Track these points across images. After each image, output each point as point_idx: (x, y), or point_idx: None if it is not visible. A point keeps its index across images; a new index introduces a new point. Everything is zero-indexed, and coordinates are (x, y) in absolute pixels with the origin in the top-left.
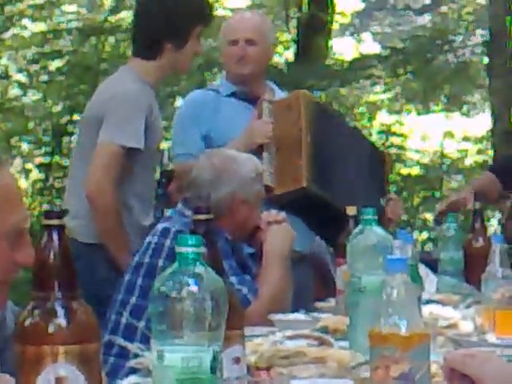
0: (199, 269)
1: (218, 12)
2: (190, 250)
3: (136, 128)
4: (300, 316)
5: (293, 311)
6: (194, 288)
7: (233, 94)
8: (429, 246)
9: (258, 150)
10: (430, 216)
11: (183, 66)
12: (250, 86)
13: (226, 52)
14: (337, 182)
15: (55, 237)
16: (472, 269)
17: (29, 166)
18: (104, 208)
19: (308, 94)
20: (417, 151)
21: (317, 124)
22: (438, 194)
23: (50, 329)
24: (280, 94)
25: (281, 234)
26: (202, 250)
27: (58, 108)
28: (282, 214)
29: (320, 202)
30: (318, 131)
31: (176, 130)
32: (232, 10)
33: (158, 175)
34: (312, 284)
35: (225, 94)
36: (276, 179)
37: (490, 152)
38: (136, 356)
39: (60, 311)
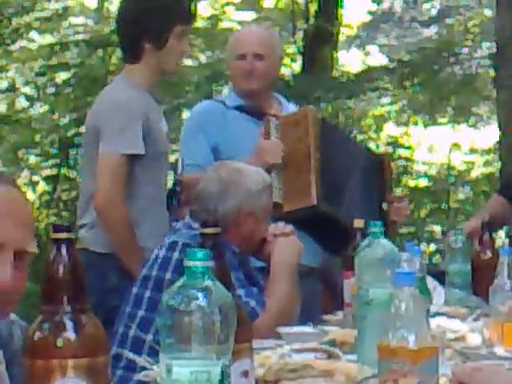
0: (207, 283)
1: (224, 24)
2: (198, 264)
3: (133, 134)
4: (308, 329)
5: (300, 324)
6: (202, 302)
7: (239, 107)
8: (436, 258)
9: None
10: (437, 228)
11: (168, 65)
12: (258, 101)
13: (234, 66)
14: (343, 198)
15: (64, 250)
16: (480, 281)
17: (36, 178)
18: (114, 219)
19: (314, 110)
20: (424, 163)
21: (323, 140)
22: (445, 206)
23: (59, 342)
24: (288, 107)
25: (288, 246)
26: (211, 263)
27: (65, 120)
28: (290, 227)
29: (327, 218)
30: (324, 147)
31: (184, 140)
32: (239, 23)
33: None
34: (320, 297)
35: (231, 106)
36: (285, 196)
37: (497, 164)
38: (144, 369)
39: (69, 325)
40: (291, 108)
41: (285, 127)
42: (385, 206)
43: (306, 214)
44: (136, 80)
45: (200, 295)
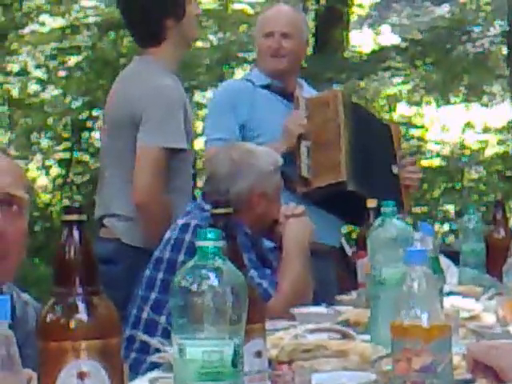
0: (219, 263)
1: (235, 6)
2: (209, 244)
3: (177, 126)
4: (321, 309)
5: (315, 304)
6: (214, 282)
7: (267, 86)
8: (450, 238)
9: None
10: (451, 208)
11: (191, 34)
12: (284, 80)
13: (261, 44)
14: (370, 177)
15: (75, 232)
16: (493, 260)
17: (49, 162)
18: (156, 215)
19: (344, 91)
20: (437, 143)
21: (352, 121)
22: (458, 186)
23: (72, 324)
24: (308, 89)
25: (300, 226)
26: (222, 243)
27: (77, 103)
28: (301, 207)
29: (354, 197)
30: (353, 128)
31: (211, 116)
32: (250, 4)
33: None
34: (338, 277)
35: (259, 85)
36: (314, 173)
37: (511, 143)
38: (157, 351)
39: (81, 306)
40: (311, 91)
41: (312, 107)
42: (395, 169)
43: (334, 190)
44: (164, 62)
45: (211, 275)
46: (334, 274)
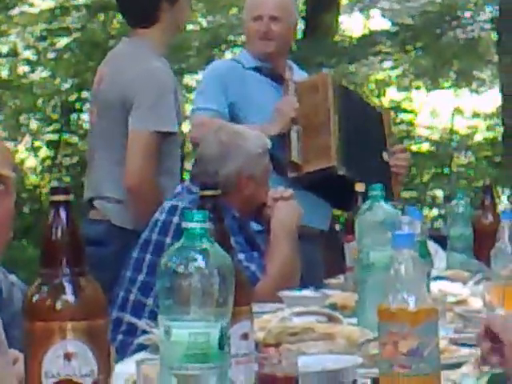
0: (206, 244)
1: None
2: (196, 225)
3: (169, 110)
4: (309, 292)
5: (302, 287)
6: (200, 263)
7: (256, 69)
8: (438, 223)
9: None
10: (439, 193)
11: (182, 20)
12: (274, 63)
13: (250, 27)
14: (360, 161)
15: (62, 213)
16: (481, 245)
17: (38, 143)
18: (147, 198)
19: (332, 75)
20: (426, 128)
21: (342, 105)
22: (447, 171)
23: (58, 305)
24: (298, 72)
25: (288, 210)
26: (209, 225)
27: (66, 85)
28: (289, 191)
29: (343, 181)
30: (343, 112)
31: (200, 91)
32: None
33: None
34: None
35: (248, 67)
36: (304, 158)
37: (500, 128)
38: (144, 333)
39: (68, 287)
40: (301, 74)
41: (302, 91)
42: (385, 155)
43: (324, 175)
44: (154, 45)
45: (198, 257)
46: (321, 257)
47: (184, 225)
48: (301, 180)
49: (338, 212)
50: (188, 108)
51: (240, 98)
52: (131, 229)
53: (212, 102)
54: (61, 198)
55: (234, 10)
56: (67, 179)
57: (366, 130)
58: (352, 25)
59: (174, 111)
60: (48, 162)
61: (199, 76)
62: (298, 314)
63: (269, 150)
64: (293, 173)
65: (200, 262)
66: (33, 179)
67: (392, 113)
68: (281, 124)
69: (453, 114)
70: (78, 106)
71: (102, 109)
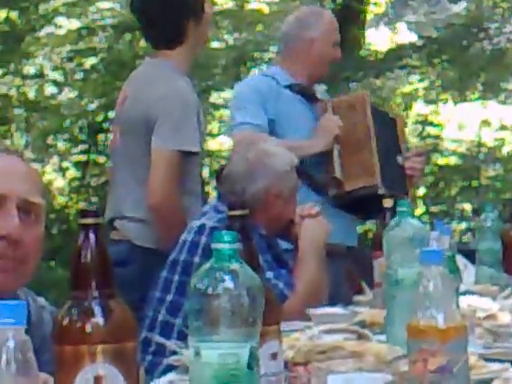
0: (235, 265)
1: (252, 5)
2: (225, 246)
3: (192, 130)
4: (337, 310)
5: (331, 305)
6: (230, 284)
7: (289, 86)
8: (467, 237)
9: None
10: (468, 206)
11: (204, 38)
12: (310, 83)
13: (327, 52)
14: (389, 177)
15: (91, 236)
16: (510, 259)
17: (65, 164)
18: (172, 217)
19: (369, 94)
20: (453, 141)
21: (375, 123)
22: (475, 184)
23: (88, 328)
24: (318, 89)
25: (315, 227)
26: (238, 246)
27: (93, 105)
28: (316, 208)
29: (375, 196)
30: (377, 130)
31: (239, 105)
32: (267, 4)
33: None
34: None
35: (284, 84)
36: (345, 175)
37: None
38: (173, 353)
39: (97, 310)
40: (319, 89)
41: (339, 110)
42: (400, 159)
43: (364, 194)
44: (178, 64)
45: (227, 278)
46: (343, 274)
47: (213, 245)
48: (341, 197)
49: (366, 228)
50: (215, 126)
51: (278, 115)
52: (153, 248)
53: (253, 116)
54: (90, 221)
55: (260, 27)
56: (95, 199)
57: (389, 142)
58: (378, 39)
59: (197, 131)
60: (76, 183)
61: (226, 94)
62: (327, 332)
63: (305, 168)
64: (334, 190)
65: (229, 282)
66: (61, 200)
67: (419, 127)
68: (325, 141)
69: (480, 127)
70: (105, 126)
71: (125, 128)
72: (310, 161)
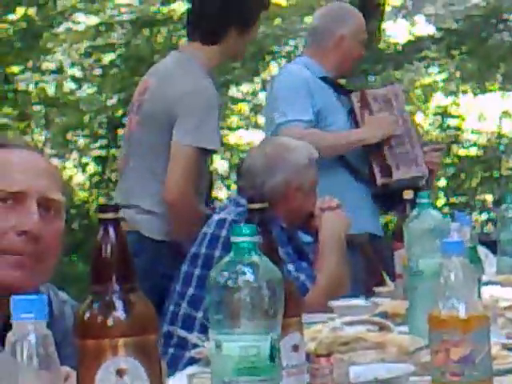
0: (255, 258)
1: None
2: (245, 239)
3: (213, 128)
4: (359, 301)
5: (352, 296)
6: (250, 277)
7: (322, 78)
8: (488, 227)
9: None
10: (489, 197)
11: (241, 52)
12: (338, 76)
13: (355, 47)
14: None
15: (111, 230)
16: None
17: (85, 159)
18: (188, 213)
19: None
20: (474, 132)
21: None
22: (496, 174)
23: (109, 322)
24: None
25: (336, 220)
26: (257, 239)
27: (112, 101)
28: (336, 200)
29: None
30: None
31: (287, 99)
32: None
33: None
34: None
35: (318, 76)
36: (395, 165)
37: None
38: (195, 346)
39: (118, 304)
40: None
41: (375, 101)
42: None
43: (409, 184)
44: (205, 63)
45: (247, 270)
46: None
47: (233, 239)
48: (390, 186)
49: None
50: (233, 120)
51: (325, 104)
52: (162, 240)
53: (303, 112)
54: (110, 215)
55: (279, 21)
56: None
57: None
58: (397, 31)
59: (218, 130)
60: (96, 178)
61: (244, 87)
62: (349, 324)
63: (348, 160)
64: (383, 179)
65: (249, 275)
66: (81, 195)
67: (439, 118)
68: (382, 133)
69: (500, 117)
70: (124, 121)
71: (145, 118)
72: (353, 153)
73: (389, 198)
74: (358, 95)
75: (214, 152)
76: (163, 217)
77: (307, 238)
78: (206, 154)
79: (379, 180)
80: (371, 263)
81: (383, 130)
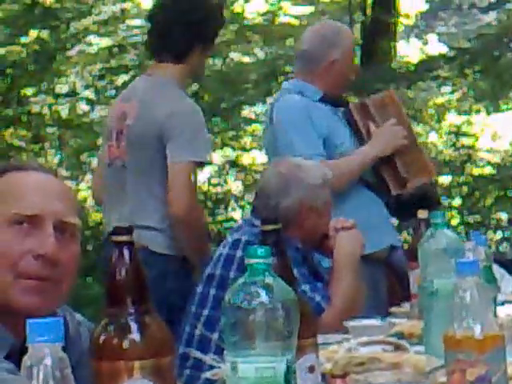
0: (269, 279)
1: (282, 19)
2: (259, 261)
3: (204, 141)
4: (374, 322)
5: (368, 316)
6: (264, 298)
7: (320, 99)
8: (504, 246)
9: None
10: (503, 216)
11: (202, 69)
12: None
13: (349, 74)
14: None
15: (126, 253)
16: None
17: None
18: (196, 226)
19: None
20: (488, 151)
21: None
22: (510, 193)
23: (125, 344)
24: None
25: (350, 239)
26: (271, 260)
27: None
28: (351, 220)
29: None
30: None
31: (297, 134)
32: (296, 17)
33: None
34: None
35: (316, 99)
36: (408, 174)
37: None
38: (211, 368)
39: (134, 326)
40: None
41: (375, 110)
42: None
43: (421, 192)
44: (180, 81)
45: (262, 292)
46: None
47: (247, 261)
48: (404, 196)
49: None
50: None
51: (329, 128)
52: (169, 254)
53: (314, 146)
54: (124, 238)
55: (291, 41)
56: None
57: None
58: (409, 50)
59: (209, 143)
60: None
61: (257, 108)
62: (364, 344)
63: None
64: (398, 189)
65: (264, 297)
66: (95, 216)
67: (452, 137)
68: (393, 145)
69: None
70: None
71: (135, 143)
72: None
73: (401, 208)
74: (358, 106)
75: (209, 163)
76: (166, 232)
77: (326, 264)
78: (199, 166)
79: (394, 191)
80: (392, 284)
81: (393, 142)
